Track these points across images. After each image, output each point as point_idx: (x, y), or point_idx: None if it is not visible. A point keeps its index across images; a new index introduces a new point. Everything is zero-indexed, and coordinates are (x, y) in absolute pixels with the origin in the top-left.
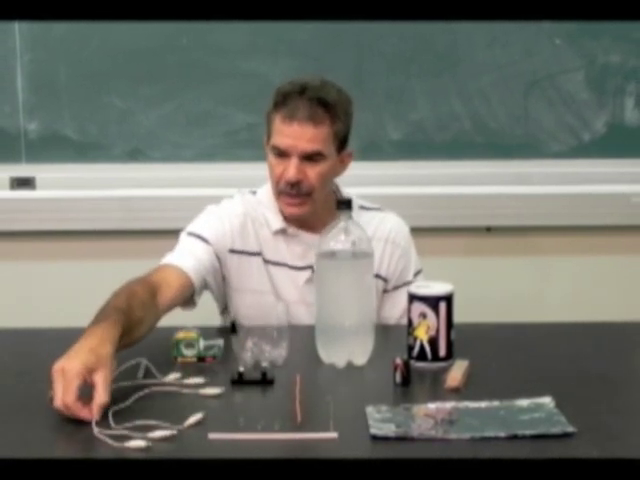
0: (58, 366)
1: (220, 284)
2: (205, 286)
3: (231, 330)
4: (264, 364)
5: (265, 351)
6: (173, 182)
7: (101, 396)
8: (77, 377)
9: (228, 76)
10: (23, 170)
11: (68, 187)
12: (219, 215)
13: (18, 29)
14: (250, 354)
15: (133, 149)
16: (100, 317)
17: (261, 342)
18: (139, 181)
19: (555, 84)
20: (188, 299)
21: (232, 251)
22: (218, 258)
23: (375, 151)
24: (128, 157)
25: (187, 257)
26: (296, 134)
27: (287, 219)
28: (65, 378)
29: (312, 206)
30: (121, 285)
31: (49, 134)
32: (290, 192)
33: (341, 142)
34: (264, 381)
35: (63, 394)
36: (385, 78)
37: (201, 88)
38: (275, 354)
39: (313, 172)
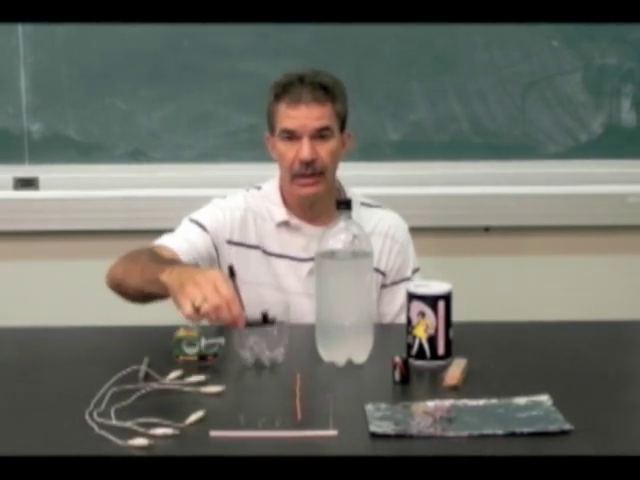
0: (193, 283)
1: None
2: None
3: (229, 274)
4: (265, 363)
5: (265, 349)
6: (174, 182)
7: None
8: (224, 278)
9: (229, 77)
10: (26, 171)
11: (71, 187)
12: (221, 206)
13: (21, 31)
14: (250, 352)
15: (135, 150)
16: (168, 263)
17: (262, 340)
18: (141, 181)
19: (552, 85)
20: None
21: (230, 242)
22: (215, 247)
23: (374, 151)
24: (130, 158)
25: (180, 240)
26: (304, 115)
27: (292, 209)
28: (210, 281)
29: (325, 185)
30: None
31: (52, 135)
32: (305, 172)
33: (342, 122)
34: (265, 322)
35: (220, 290)
36: (384, 79)
37: (202, 89)
38: (275, 352)
39: (324, 150)
